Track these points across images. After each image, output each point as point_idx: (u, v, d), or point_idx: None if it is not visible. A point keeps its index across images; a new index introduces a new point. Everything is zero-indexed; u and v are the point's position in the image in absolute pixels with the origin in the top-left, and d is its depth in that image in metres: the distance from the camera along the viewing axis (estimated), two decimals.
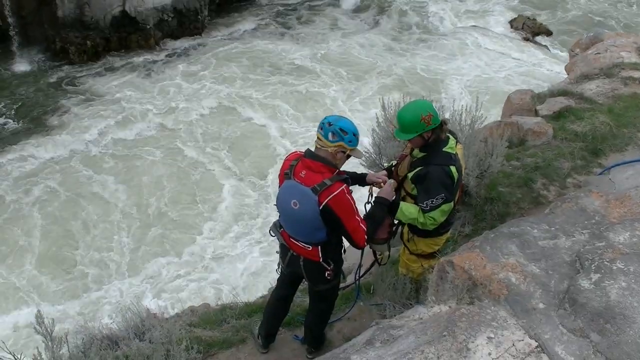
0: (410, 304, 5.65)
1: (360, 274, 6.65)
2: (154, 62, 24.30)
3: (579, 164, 8.10)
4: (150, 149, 19.48)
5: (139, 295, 14.39)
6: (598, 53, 11.40)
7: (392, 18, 25.27)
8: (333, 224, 4.98)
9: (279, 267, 5.88)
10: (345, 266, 9.26)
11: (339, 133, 4.94)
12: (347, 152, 5.05)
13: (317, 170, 4.92)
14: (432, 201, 5.15)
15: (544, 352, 3.48)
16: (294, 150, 5.49)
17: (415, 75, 21.07)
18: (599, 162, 8.03)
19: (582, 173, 7.86)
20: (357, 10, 26.49)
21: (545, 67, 20.24)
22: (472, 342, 3.54)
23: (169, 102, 21.49)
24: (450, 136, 5.34)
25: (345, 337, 6.45)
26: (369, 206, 5.56)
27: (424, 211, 5.24)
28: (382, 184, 5.58)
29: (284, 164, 5.24)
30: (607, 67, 10.60)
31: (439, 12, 26.33)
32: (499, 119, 10.03)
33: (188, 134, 19.88)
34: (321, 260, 5.22)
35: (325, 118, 5.06)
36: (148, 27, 25.47)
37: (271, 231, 5.56)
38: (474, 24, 25.39)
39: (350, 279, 8.01)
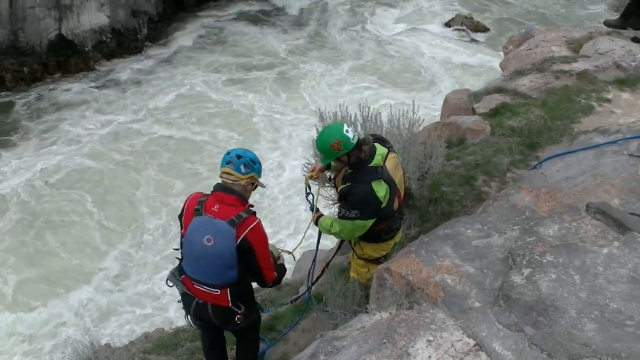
0: (360, 312, 5.73)
1: (311, 283, 6.72)
2: (93, 85, 23.98)
3: (518, 159, 8.29)
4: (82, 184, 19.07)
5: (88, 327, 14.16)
6: (530, 49, 11.65)
7: (331, 27, 25.37)
8: (247, 259, 4.91)
9: (186, 318, 5.62)
10: (297, 277, 9.36)
11: (250, 164, 4.99)
12: (256, 182, 5.11)
13: (230, 204, 4.88)
14: (347, 213, 5.31)
15: (482, 350, 3.57)
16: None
17: (358, 77, 21.17)
18: (536, 155, 8.22)
19: (521, 167, 8.04)
20: (297, 18, 26.54)
21: (483, 65, 20.55)
22: (412, 346, 3.61)
23: (109, 124, 21.23)
24: (379, 148, 5.47)
25: (301, 350, 6.49)
26: (310, 197, 5.89)
27: (339, 216, 5.43)
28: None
29: (188, 203, 5.08)
30: (539, 62, 10.84)
31: (378, 16, 26.52)
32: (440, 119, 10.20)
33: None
34: (230, 304, 5.05)
35: (230, 152, 5.06)
36: (86, 49, 25.17)
37: (169, 281, 5.29)
38: (413, 26, 25.63)
39: (302, 289, 8.08)
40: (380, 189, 5.30)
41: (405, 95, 18.78)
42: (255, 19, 26.34)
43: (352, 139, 5.25)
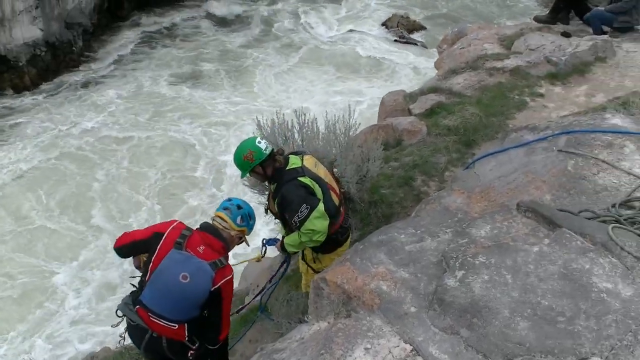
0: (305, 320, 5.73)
1: (255, 294, 6.71)
2: (29, 101, 23.37)
3: (455, 157, 8.40)
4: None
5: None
6: (463, 47, 11.82)
7: (270, 33, 25.32)
8: (212, 308, 4.89)
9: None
10: (243, 287, 9.30)
11: (246, 218, 5.08)
12: (243, 238, 5.14)
13: (216, 250, 4.88)
14: (299, 215, 5.28)
15: (419, 355, 3.58)
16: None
17: (293, 86, 21.10)
18: (472, 152, 8.34)
19: (458, 165, 8.14)
20: (235, 25, 26.40)
21: (421, 64, 20.74)
22: (350, 355, 3.61)
23: (53, 136, 20.72)
24: (292, 156, 5.61)
25: None
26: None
27: (299, 229, 5.37)
28: None
29: (170, 232, 4.96)
30: (473, 60, 11.00)
31: (314, 19, 26.54)
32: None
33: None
34: (186, 339, 4.97)
35: (231, 200, 5.17)
36: (20, 64, 24.50)
37: (119, 311, 5.10)
38: (351, 28, 25.72)
39: (247, 299, 8.04)
40: (306, 180, 5.39)
41: (342, 99, 18.76)
42: (193, 26, 26.09)
43: (265, 150, 5.41)
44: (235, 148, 5.62)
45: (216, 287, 4.77)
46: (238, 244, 5.22)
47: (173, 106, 20.68)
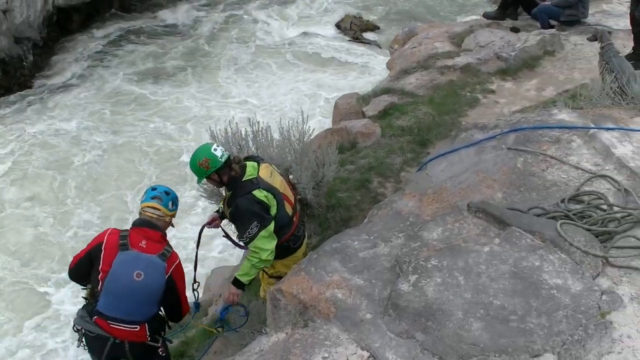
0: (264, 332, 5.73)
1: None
2: None
3: (410, 157, 8.47)
4: None
5: None
6: (414, 47, 11.92)
7: (225, 37, 25.20)
8: (169, 294, 5.00)
9: None
10: (206, 297, 9.26)
11: (176, 201, 5.23)
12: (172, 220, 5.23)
13: (157, 240, 4.99)
14: (249, 232, 5.29)
15: None
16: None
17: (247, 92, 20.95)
18: (427, 152, 8.42)
19: (414, 165, 8.20)
20: (187, 31, 26.21)
21: (375, 65, 20.79)
22: None
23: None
24: (250, 163, 5.59)
25: None
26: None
27: (247, 244, 5.41)
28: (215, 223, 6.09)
29: (108, 238, 5.02)
30: (424, 60, 11.11)
31: (267, 23, 26.50)
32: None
33: None
34: (148, 339, 5.06)
35: (156, 188, 5.30)
36: None
37: (76, 325, 5.10)
38: (304, 30, 25.71)
39: (211, 310, 8.00)
40: (262, 195, 5.37)
41: (295, 105, 18.68)
42: (149, 35, 25.83)
43: (220, 158, 5.38)
44: (192, 154, 5.61)
45: (169, 275, 4.93)
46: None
47: (136, 112, 20.35)
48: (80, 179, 17.23)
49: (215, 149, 5.42)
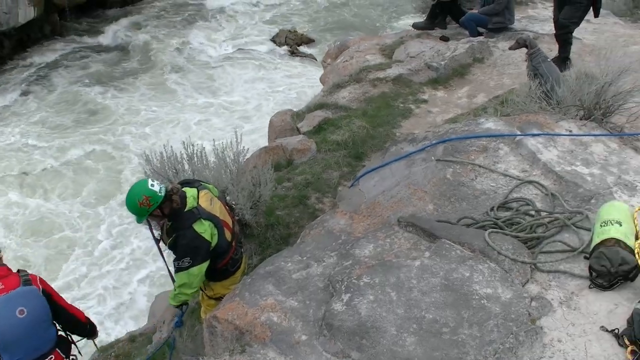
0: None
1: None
2: None
3: (346, 171, 8.50)
4: None
5: None
6: (346, 60, 12.00)
7: (159, 57, 24.97)
8: (55, 308, 4.96)
9: None
10: (151, 324, 9.14)
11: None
12: None
13: (6, 274, 4.87)
14: (179, 263, 5.23)
15: None
16: None
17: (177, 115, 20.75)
18: (363, 165, 8.45)
19: (350, 179, 8.24)
20: (120, 53, 25.94)
21: (311, 79, 20.85)
22: None
23: None
24: (189, 191, 5.50)
25: None
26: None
27: (175, 271, 5.34)
28: None
29: None
30: (356, 73, 11.17)
31: (202, 41, 26.38)
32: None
33: None
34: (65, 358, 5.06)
35: None
36: None
37: None
38: (239, 47, 25.68)
39: (155, 337, 7.90)
40: (203, 228, 5.30)
41: (230, 124, 18.61)
42: (80, 57, 25.44)
43: (160, 192, 5.25)
44: (127, 194, 5.44)
45: (42, 291, 4.85)
46: None
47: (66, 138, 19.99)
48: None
49: (152, 185, 5.26)
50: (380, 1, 28.56)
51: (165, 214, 5.36)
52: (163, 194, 5.25)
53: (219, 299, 6.02)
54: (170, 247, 5.41)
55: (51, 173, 17.69)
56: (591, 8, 10.18)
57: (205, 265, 5.34)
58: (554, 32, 10.58)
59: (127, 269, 14.02)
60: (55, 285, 5.34)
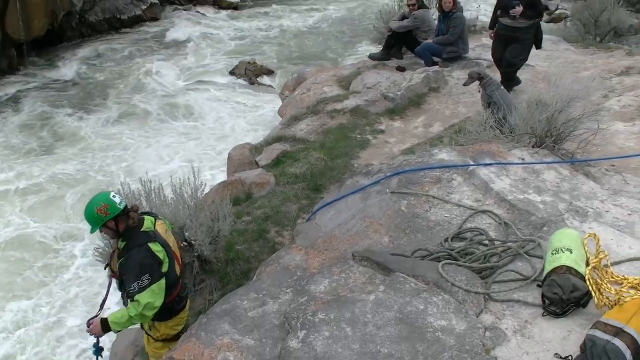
0: None
1: None
2: None
3: (305, 204, 8.53)
4: None
5: None
6: (304, 92, 12.09)
7: (114, 92, 24.85)
8: None
9: None
10: None
11: None
12: None
13: None
14: (138, 283, 5.12)
15: None
16: None
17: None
18: (321, 197, 8.49)
19: (309, 211, 8.27)
20: (74, 86, 25.73)
21: (269, 111, 20.88)
22: None
23: None
24: (146, 216, 5.53)
25: None
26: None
27: (132, 295, 5.20)
28: None
29: None
30: (313, 105, 11.26)
31: (161, 73, 26.35)
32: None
33: None
34: None
35: None
36: None
37: None
38: (199, 79, 25.70)
39: None
40: (158, 249, 5.28)
41: (188, 159, 18.55)
42: (34, 93, 25.18)
43: (119, 204, 5.28)
44: (87, 203, 5.41)
45: None
46: None
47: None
48: None
49: (113, 196, 5.33)
50: (338, 32, 28.90)
51: (119, 231, 5.34)
52: (122, 207, 5.29)
53: (164, 340, 5.96)
54: (123, 266, 5.28)
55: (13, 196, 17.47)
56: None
57: (163, 282, 5.27)
58: (500, 68, 10.72)
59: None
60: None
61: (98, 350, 5.70)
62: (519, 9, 9.77)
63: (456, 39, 12.31)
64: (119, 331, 5.74)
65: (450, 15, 12.02)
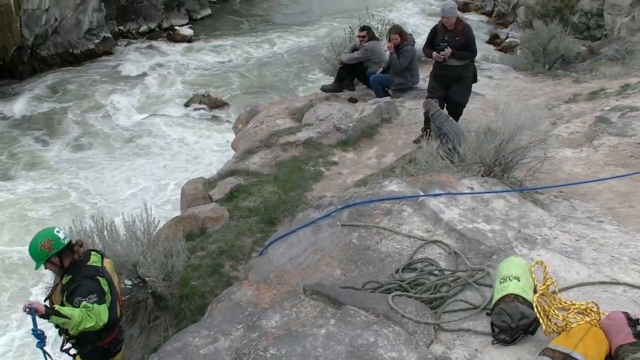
0: None
1: None
2: None
3: (259, 237, 8.51)
4: None
5: None
6: (257, 126, 12.12)
7: (68, 125, 24.64)
8: None
9: None
10: None
11: None
12: None
13: None
14: (87, 300, 4.98)
15: None
16: None
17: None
18: (275, 230, 8.50)
19: (263, 245, 8.28)
20: (30, 121, 25.44)
21: (224, 144, 20.87)
22: None
23: None
24: (93, 252, 5.49)
25: None
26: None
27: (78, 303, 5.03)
28: None
29: None
30: (267, 138, 11.30)
31: (115, 107, 26.22)
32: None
33: None
34: None
35: None
36: None
37: None
38: (152, 112, 25.64)
39: None
40: (104, 284, 5.23)
41: (140, 194, 18.42)
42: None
43: (63, 240, 5.26)
44: (32, 238, 5.38)
45: None
46: None
47: None
48: None
49: (58, 231, 5.30)
50: (290, 63, 29.14)
51: (64, 266, 5.29)
52: (66, 242, 5.27)
53: None
54: (69, 295, 5.10)
55: None
56: None
57: (106, 309, 5.13)
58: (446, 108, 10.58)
59: None
60: None
61: (39, 335, 5.09)
62: (448, 51, 9.49)
63: (404, 68, 12.42)
64: (57, 325, 5.24)
65: (400, 48, 12.17)
